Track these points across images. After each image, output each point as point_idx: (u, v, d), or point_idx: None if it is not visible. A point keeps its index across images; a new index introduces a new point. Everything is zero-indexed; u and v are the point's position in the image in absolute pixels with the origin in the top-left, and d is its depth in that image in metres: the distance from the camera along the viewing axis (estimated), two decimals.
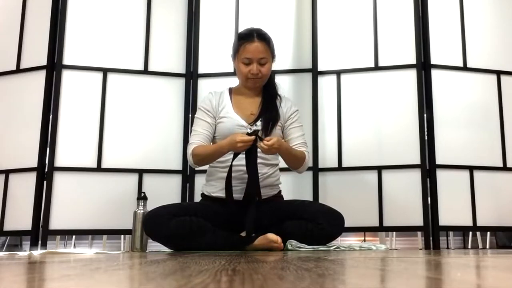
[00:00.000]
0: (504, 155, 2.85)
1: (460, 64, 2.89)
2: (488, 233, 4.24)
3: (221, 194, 2.28)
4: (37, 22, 2.92)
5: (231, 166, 2.22)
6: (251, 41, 2.32)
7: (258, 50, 2.31)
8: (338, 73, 2.91)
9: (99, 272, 0.94)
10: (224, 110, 2.35)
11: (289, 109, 2.42)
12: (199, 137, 2.32)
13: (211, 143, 2.36)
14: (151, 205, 2.35)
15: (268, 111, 2.35)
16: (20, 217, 2.74)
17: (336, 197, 2.76)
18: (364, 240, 4.26)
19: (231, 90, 2.44)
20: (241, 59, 2.32)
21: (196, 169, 2.53)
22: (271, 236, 2.16)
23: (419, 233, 4.14)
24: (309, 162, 2.40)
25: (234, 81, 2.52)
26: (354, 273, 0.92)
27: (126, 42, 2.93)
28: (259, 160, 2.29)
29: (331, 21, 2.96)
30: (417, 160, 2.74)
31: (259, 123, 2.31)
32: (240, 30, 2.64)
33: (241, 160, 2.27)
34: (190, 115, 2.87)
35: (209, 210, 2.26)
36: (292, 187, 2.73)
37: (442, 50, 2.88)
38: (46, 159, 2.77)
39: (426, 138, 2.78)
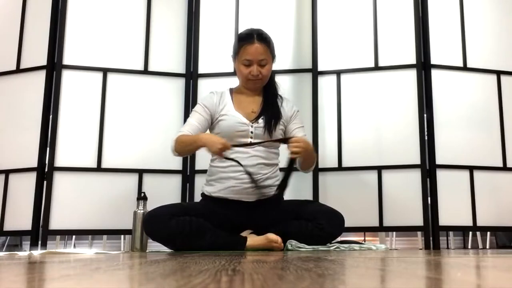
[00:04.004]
0: (504, 155, 2.85)
1: (460, 64, 2.89)
2: (488, 233, 4.24)
3: (222, 194, 2.28)
4: (37, 22, 2.92)
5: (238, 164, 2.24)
6: (251, 43, 2.32)
7: (258, 52, 2.31)
8: (338, 73, 2.90)
9: (99, 272, 0.94)
10: (225, 109, 2.35)
11: (291, 109, 2.43)
12: (189, 127, 2.32)
13: (197, 130, 2.33)
14: (151, 205, 2.35)
15: (270, 109, 2.35)
16: (20, 217, 2.74)
17: (336, 197, 2.76)
18: (364, 240, 4.26)
19: (231, 90, 2.45)
20: (241, 61, 2.32)
21: (178, 155, 2.39)
22: (271, 236, 2.16)
23: (419, 233, 4.14)
24: None
25: (234, 81, 2.52)
26: (354, 273, 0.92)
27: (126, 42, 2.93)
28: (259, 161, 2.29)
29: (331, 21, 2.96)
30: (417, 160, 2.74)
31: (260, 120, 2.32)
32: (240, 30, 2.65)
33: (242, 160, 2.27)
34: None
35: (209, 210, 2.26)
36: (292, 187, 2.72)
37: (442, 50, 2.88)
38: (46, 159, 2.77)
39: (426, 138, 2.78)
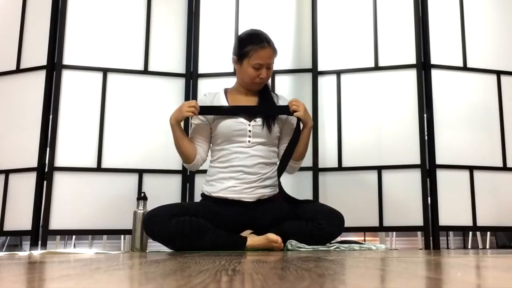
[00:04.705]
0: (504, 155, 2.85)
1: (460, 64, 2.89)
2: (488, 233, 4.24)
3: (221, 194, 2.28)
4: (37, 22, 2.92)
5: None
6: (263, 47, 2.31)
7: (269, 56, 2.33)
8: (338, 73, 2.91)
9: (99, 272, 0.94)
10: None
11: None
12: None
13: (205, 143, 2.37)
14: (151, 205, 2.35)
15: (266, 104, 2.36)
16: (20, 217, 2.74)
17: (336, 197, 2.76)
18: (364, 240, 4.25)
19: (226, 91, 2.45)
20: (252, 64, 2.30)
21: (193, 170, 2.52)
22: (271, 236, 2.16)
23: (419, 233, 4.14)
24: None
25: (234, 81, 2.52)
26: (354, 273, 0.92)
27: (126, 42, 2.93)
28: (259, 160, 2.29)
29: (331, 21, 2.96)
30: (417, 160, 2.74)
31: (258, 118, 2.32)
32: (240, 30, 2.65)
33: (241, 160, 2.28)
34: None
35: (209, 210, 2.26)
36: (292, 187, 2.73)
37: (442, 50, 2.88)
38: (46, 159, 2.77)
39: (426, 138, 2.78)
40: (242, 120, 2.31)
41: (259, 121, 2.31)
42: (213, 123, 2.35)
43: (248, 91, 2.41)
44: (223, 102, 2.38)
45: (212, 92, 2.45)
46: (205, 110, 2.33)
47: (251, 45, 2.32)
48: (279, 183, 2.33)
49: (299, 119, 2.33)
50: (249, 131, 2.30)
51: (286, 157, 2.33)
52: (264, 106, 2.36)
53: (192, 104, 2.28)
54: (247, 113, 2.33)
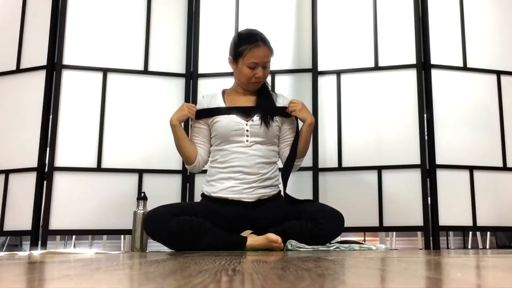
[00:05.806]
0: (504, 155, 2.85)
1: (460, 64, 2.89)
2: (488, 233, 4.24)
3: (221, 194, 2.28)
4: (37, 22, 2.93)
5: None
6: (258, 46, 2.31)
7: (265, 55, 2.32)
8: (338, 73, 2.91)
9: (99, 272, 0.94)
10: None
11: (287, 105, 2.42)
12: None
13: (206, 145, 2.39)
14: (151, 205, 2.35)
15: (264, 103, 2.36)
16: (20, 217, 2.74)
17: (336, 197, 2.76)
18: (364, 240, 4.25)
19: (224, 91, 2.45)
20: (247, 63, 2.30)
21: (194, 171, 2.53)
22: (271, 236, 2.16)
23: (419, 233, 4.14)
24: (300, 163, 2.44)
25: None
26: (354, 273, 0.92)
27: (126, 42, 2.93)
28: (259, 160, 2.29)
29: (331, 21, 2.96)
30: (417, 160, 2.74)
31: (255, 118, 2.31)
32: (240, 30, 2.64)
33: (240, 160, 2.28)
34: None
35: (209, 210, 2.26)
36: (292, 187, 2.72)
37: (442, 50, 2.88)
38: (46, 159, 2.77)
39: (426, 138, 2.79)
40: (239, 119, 2.31)
41: (256, 120, 2.31)
42: (211, 125, 2.35)
43: (246, 91, 2.41)
44: (220, 103, 2.38)
45: (209, 93, 2.46)
46: (201, 114, 2.35)
47: (246, 44, 2.32)
48: (285, 188, 2.32)
49: (298, 119, 2.34)
50: (247, 130, 2.30)
51: (289, 162, 2.33)
52: (261, 107, 2.36)
53: (192, 106, 2.37)
54: (244, 113, 2.33)
